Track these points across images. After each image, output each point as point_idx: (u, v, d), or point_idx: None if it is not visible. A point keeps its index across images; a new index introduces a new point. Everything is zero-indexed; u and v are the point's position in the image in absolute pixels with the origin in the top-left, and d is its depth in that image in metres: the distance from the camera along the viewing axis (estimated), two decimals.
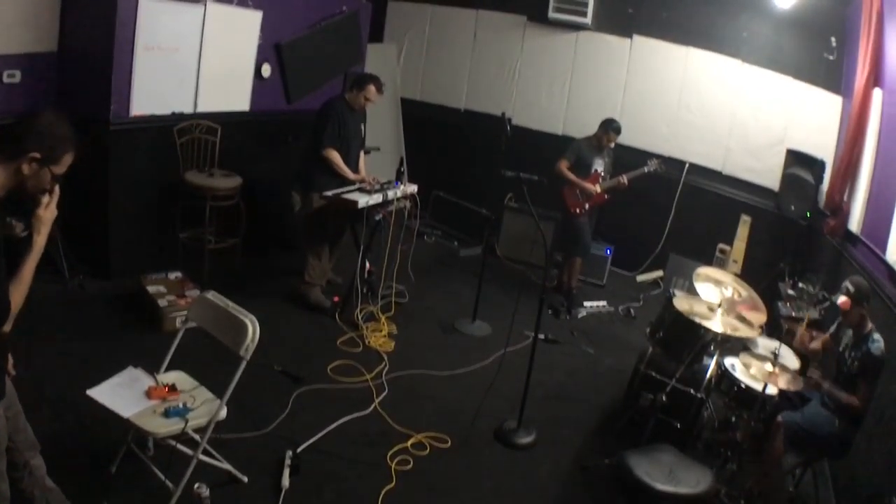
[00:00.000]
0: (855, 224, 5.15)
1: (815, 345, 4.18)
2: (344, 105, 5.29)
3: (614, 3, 7.05)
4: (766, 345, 4.25)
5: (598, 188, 6.14)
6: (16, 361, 2.52)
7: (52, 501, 2.70)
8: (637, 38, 7.01)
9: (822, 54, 6.13)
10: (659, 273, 7.15)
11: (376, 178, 5.34)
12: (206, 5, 5.27)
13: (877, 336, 3.60)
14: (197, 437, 3.05)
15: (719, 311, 4.18)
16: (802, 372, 4.07)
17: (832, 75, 6.08)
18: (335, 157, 5.20)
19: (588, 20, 7.05)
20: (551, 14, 7.17)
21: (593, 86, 7.29)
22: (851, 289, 3.67)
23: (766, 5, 6.23)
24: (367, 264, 5.39)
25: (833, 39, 6.00)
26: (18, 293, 2.15)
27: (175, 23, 5.15)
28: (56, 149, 2.20)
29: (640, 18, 6.99)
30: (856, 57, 5.31)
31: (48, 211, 2.26)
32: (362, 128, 5.53)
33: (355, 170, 5.42)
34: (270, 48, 6.02)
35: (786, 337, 4.71)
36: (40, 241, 2.24)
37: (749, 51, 6.53)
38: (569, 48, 7.33)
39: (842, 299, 3.69)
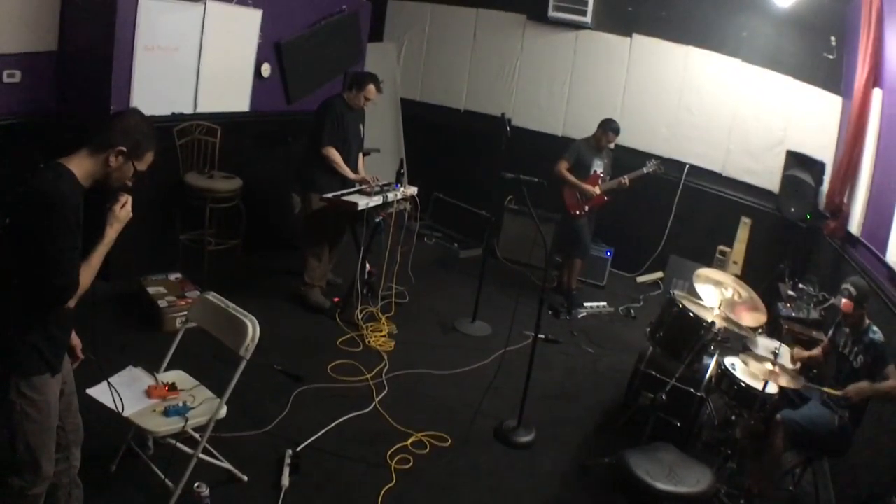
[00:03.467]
0: (855, 226, 5.15)
1: (815, 352, 4.16)
2: (343, 104, 5.28)
3: (614, 2, 7.06)
4: (766, 344, 4.26)
5: (597, 189, 6.14)
6: (85, 345, 2.66)
7: (74, 497, 2.72)
8: (637, 37, 7.02)
9: (821, 54, 6.13)
10: (659, 274, 7.16)
11: (376, 178, 5.34)
12: (205, 4, 5.27)
13: (875, 328, 3.60)
14: (197, 435, 3.05)
15: (719, 311, 4.19)
16: (803, 372, 4.07)
17: (832, 75, 6.09)
18: (335, 155, 5.19)
19: (588, 19, 7.05)
20: (551, 13, 7.18)
21: (593, 85, 7.30)
22: (853, 291, 3.65)
23: (765, 4, 6.23)
24: (368, 265, 5.39)
25: (833, 39, 6.00)
26: (87, 275, 2.30)
27: (175, 22, 5.14)
28: (141, 145, 2.36)
29: (640, 17, 6.99)
30: (856, 56, 5.31)
31: (124, 210, 2.40)
32: (361, 128, 5.52)
33: (355, 171, 5.41)
34: (270, 47, 6.02)
35: (785, 337, 4.72)
36: (112, 233, 2.40)
37: (749, 50, 6.53)
38: (568, 47, 7.34)
39: (843, 302, 3.68)
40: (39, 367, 2.28)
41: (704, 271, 4.61)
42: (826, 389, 3.71)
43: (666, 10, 6.87)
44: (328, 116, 5.17)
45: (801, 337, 4.76)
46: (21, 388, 2.25)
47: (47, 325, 2.29)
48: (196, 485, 3.08)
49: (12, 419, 2.27)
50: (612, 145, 6.23)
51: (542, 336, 4.72)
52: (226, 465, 3.34)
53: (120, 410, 2.85)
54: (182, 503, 3.06)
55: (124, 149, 2.30)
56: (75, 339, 2.64)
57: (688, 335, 4.25)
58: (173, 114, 5.33)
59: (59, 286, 2.21)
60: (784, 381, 3.58)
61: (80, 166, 2.26)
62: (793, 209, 5.93)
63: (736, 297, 4.36)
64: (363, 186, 5.24)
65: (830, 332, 4.03)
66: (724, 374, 4.13)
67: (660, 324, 4.48)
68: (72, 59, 5.04)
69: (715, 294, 4.38)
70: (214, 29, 5.40)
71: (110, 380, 3.10)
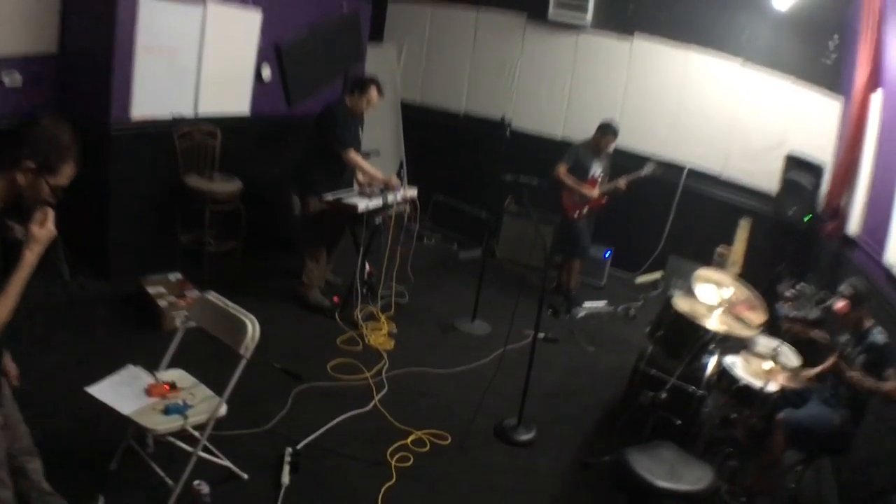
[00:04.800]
0: (854, 227, 5.16)
1: (828, 364, 4.12)
2: (346, 109, 5.30)
3: (614, 3, 7.06)
4: (765, 343, 4.25)
5: (596, 192, 6.16)
6: (21, 372, 2.52)
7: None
8: (637, 39, 7.03)
9: (822, 55, 6.14)
10: (658, 274, 7.16)
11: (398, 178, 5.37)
12: (206, 6, 5.27)
13: (879, 329, 3.58)
14: (197, 434, 3.05)
15: (718, 310, 4.19)
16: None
17: (832, 76, 6.10)
18: (358, 158, 5.23)
19: (588, 20, 7.07)
20: (551, 14, 7.19)
21: (593, 86, 7.30)
22: (850, 291, 3.65)
23: (766, 5, 6.24)
24: (367, 266, 5.40)
25: (834, 39, 6.01)
26: (3, 307, 2.03)
27: (175, 23, 5.14)
28: (53, 158, 2.11)
29: (641, 18, 7.00)
30: (856, 57, 5.32)
31: (44, 229, 2.11)
32: (360, 132, 5.55)
33: (352, 176, 5.43)
34: (270, 49, 6.03)
35: (785, 336, 4.71)
36: (31, 257, 2.09)
37: (749, 51, 6.53)
38: (569, 48, 7.35)
39: (840, 304, 3.67)
40: None
41: (704, 271, 4.61)
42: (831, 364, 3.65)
43: (666, 11, 6.87)
44: (337, 120, 5.18)
45: (800, 336, 4.75)
46: None
47: None
48: (196, 483, 3.09)
49: None
50: (610, 148, 6.24)
51: (542, 335, 4.73)
52: (226, 463, 3.34)
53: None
54: (182, 501, 3.06)
55: (32, 165, 2.06)
56: (10, 366, 2.47)
57: (687, 334, 4.25)
58: (174, 117, 5.33)
59: None
60: (783, 380, 3.58)
61: None
62: (791, 211, 5.93)
63: (735, 297, 4.35)
64: (388, 188, 5.26)
65: (839, 338, 4.01)
66: (724, 373, 4.14)
67: (659, 323, 4.48)
68: (72, 62, 5.05)
69: (714, 293, 4.37)
70: (215, 31, 5.40)
71: (109, 378, 3.12)
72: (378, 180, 5.31)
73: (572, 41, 7.33)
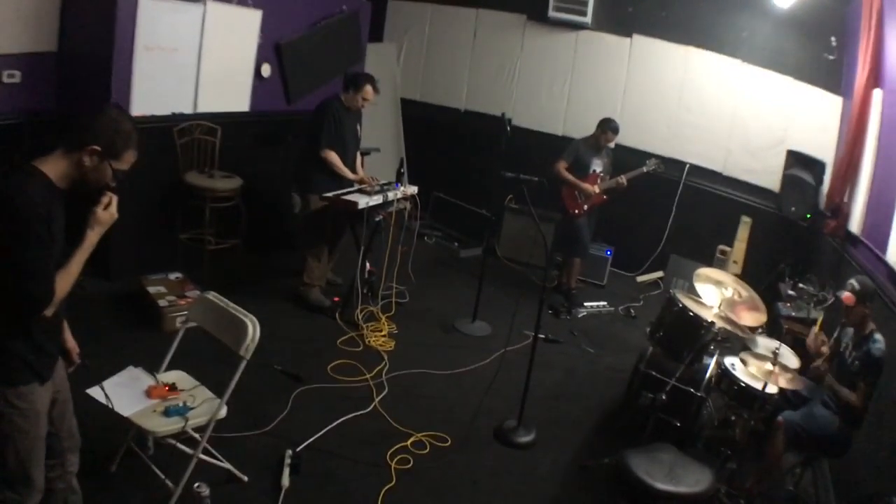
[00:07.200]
0: (855, 225, 5.15)
1: (824, 349, 4.16)
2: (340, 106, 5.29)
3: (614, 3, 7.06)
4: (766, 344, 4.26)
5: (596, 189, 6.15)
6: (83, 352, 2.59)
7: (70, 502, 2.68)
8: (637, 38, 7.02)
9: (822, 54, 6.13)
10: (659, 274, 7.15)
11: (376, 179, 5.34)
12: (205, 4, 5.26)
13: (878, 336, 3.57)
14: (197, 436, 3.05)
15: (719, 311, 4.18)
16: (804, 368, 4.07)
17: (832, 75, 6.09)
18: (334, 158, 5.20)
19: (588, 19, 7.05)
20: (551, 13, 7.17)
21: (593, 85, 7.30)
22: (857, 286, 3.65)
23: (766, 5, 6.23)
24: (368, 265, 5.40)
25: (833, 39, 6.00)
26: (64, 282, 2.20)
27: (175, 22, 5.14)
28: (118, 143, 2.21)
29: (640, 18, 6.99)
30: (856, 57, 5.31)
31: (107, 212, 2.27)
32: (358, 129, 5.53)
33: (353, 171, 5.42)
34: (270, 48, 6.02)
35: (786, 337, 4.71)
36: (93, 237, 2.26)
37: (749, 51, 6.53)
38: (569, 47, 7.34)
39: (846, 294, 3.67)
40: (26, 376, 2.21)
41: (704, 271, 4.61)
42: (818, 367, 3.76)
43: (666, 10, 6.86)
44: (326, 119, 5.18)
45: (800, 336, 4.76)
46: (8, 397, 2.18)
47: (32, 333, 2.20)
48: (196, 485, 3.08)
49: (1, 430, 2.20)
50: (611, 145, 6.23)
51: (543, 336, 4.72)
52: (226, 465, 3.34)
53: (112, 407, 2.87)
54: (182, 503, 3.06)
55: (98, 148, 2.16)
56: (71, 343, 2.58)
57: (688, 335, 4.25)
58: (173, 114, 5.32)
59: (33, 296, 2.11)
60: (784, 382, 3.58)
61: (55, 168, 2.15)
62: (793, 208, 5.93)
63: (736, 297, 4.35)
64: (363, 186, 5.25)
65: (836, 333, 4.02)
66: (724, 374, 4.13)
67: (660, 323, 4.48)
68: (72, 60, 5.04)
69: (715, 293, 4.37)
70: (214, 29, 5.40)
71: (110, 380, 3.12)
72: (347, 180, 5.31)
73: (572, 40, 7.32)
